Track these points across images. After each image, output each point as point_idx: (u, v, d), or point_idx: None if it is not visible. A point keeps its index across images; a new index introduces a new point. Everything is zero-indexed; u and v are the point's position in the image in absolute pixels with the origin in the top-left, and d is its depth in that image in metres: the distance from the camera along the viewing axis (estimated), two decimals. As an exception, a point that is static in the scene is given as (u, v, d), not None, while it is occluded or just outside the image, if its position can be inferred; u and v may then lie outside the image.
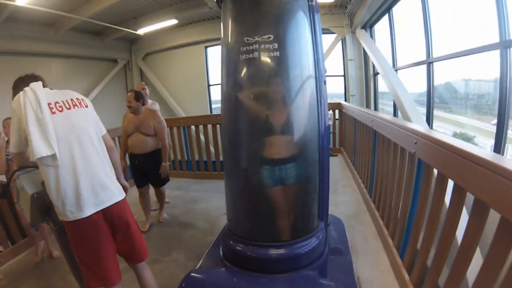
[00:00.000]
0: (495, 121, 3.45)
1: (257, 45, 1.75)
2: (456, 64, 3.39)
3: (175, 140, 5.26)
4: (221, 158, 5.01)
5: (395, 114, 4.74)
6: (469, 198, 1.41)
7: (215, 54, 7.93)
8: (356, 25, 5.33)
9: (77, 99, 1.67)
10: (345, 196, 3.77)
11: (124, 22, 6.84)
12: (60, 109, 1.57)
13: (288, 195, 1.94)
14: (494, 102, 3.01)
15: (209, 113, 8.06)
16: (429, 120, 3.57)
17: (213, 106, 8.32)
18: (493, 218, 1.22)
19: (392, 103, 5.85)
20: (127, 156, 3.45)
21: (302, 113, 1.87)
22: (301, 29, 1.90)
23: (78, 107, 1.64)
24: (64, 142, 1.53)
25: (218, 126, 4.91)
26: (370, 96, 5.80)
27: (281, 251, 1.87)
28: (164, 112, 8.30)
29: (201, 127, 5.08)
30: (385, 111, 5.43)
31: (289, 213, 1.96)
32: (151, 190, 3.55)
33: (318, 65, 1.94)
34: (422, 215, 1.95)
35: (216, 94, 8.25)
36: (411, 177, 2.17)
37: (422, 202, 1.95)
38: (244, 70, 1.84)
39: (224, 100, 1.99)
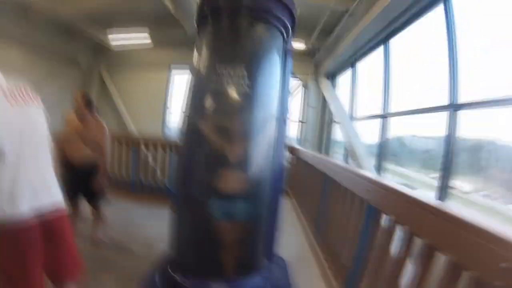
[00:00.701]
0: (434, 174, 3.78)
1: (229, 78, 1.78)
2: (407, 120, 3.72)
3: (122, 158, 4.98)
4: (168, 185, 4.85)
5: (346, 161, 4.97)
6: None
7: (179, 80, 7.94)
8: (320, 74, 5.67)
9: (30, 91, 1.46)
10: (290, 238, 3.75)
11: (95, 26, 6.63)
12: (11, 97, 1.36)
13: (237, 231, 1.90)
14: (437, 157, 3.32)
15: (160, 135, 7.85)
16: (379, 170, 3.78)
17: (169, 132, 8.16)
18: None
19: (342, 151, 6.19)
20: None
21: (260, 151, 1.89)
22: (273, 69, 1.97)
23: (30, 101, 1.43)
24: (8, 128, 1.32)
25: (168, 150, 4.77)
26: (323, 142, 6.06)
27: (225, 286, 1.79)
28: (116, 125, 8.01)
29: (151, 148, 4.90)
30: (336, 158, 5.67)
31: (235, 248, 1.90)
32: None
33: (282, 106, 2.00)
34: (369, 258, 2.00)
35: (172, 119, 8.17)
36: (359, 221, 2.23)
37: (369, 245, 2.01)
38: (211, 99, 1.85)
39: (185, 125, 1.96)
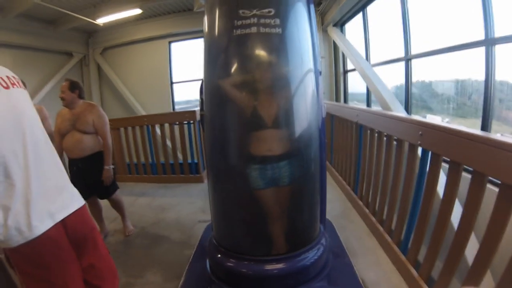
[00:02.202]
0: (447, 119, 3.59)
1: (255, 19, 1.49)
2: (431, 63, 3.43)
3: (138, 140, 4.82)
4: (189, 160, 4.71)
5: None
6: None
7: (179, 50, 7.53)
8: (328, 23, 5.27)
9: (13, 77, 1.20)
10: (327, 195, 3.62)
11: (81, 10, 6.17)
12: None
13: (284, 198, 1.70)
14: (470, 102, 3.10)
15: (173, 112, 7.52)
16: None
17: (176, 107, 7.85)
18: None
19: (358, 103, 5.91)
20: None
21: (303, 102, 1.64)
22: (301, 9, 1.68)
23: (17, 87, 1.18)
24: (2, 136, 1.06)
25: (185, 125, 4.58)
26: (340, 94, 5.78)
27: (287, 265, 1.63)
28: (124, 111, 7.76)
29: (166, 125, 4.70)
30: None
31: (285, 218, 1.72)
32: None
33: (315, 52, 1.74)
34: (430, 208, 1.84)
35: (179, 94, 7.82)
36: (412, 170, 2.05)
37: (429, 194, 1.84)
38: (236, 51, 1.57)
39: (209, 88, 1.70)
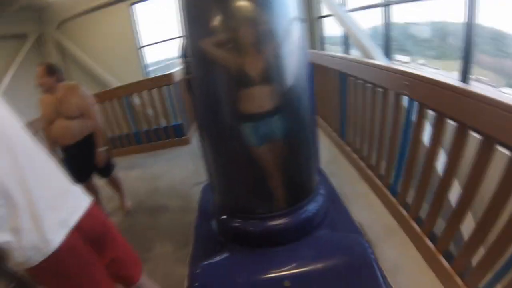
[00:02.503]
0: (422, 61, 3.67)
1: None
2: (408, 6, 3.41)
3: (117, 113, 4.72)
4: (173, 123, 4.71)
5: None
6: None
7: (143, 12, 7.07)
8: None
9: None
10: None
11: None
12: None
13: (279, 153, 1.72)
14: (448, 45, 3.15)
15: (143, 77, 7.23)
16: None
17: (149, 69, 7.55)
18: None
19: (334, 47, 5.86)
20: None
21: (290, 54, 1.60)
22: None
23: None
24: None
25: (165, 88, 4.52)
26: (315, 40, 5.69)
27: (293, 217, 1.73)
28: (96, 85, 7.39)
29: (144, 93, 4.61)
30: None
31: (292, 173, 1.80)
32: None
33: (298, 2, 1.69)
34: (417, 155, 1.97)
35: (151, 56, 7.50)
36: (398, 118, 2.14)
37: (415, 142, 1.95)
38: (221, 9, 1.49)
39: (194, 50, 1.63)
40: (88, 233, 1.18)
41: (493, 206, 1.34)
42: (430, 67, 3.56)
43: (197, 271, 1.71)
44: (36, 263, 1.03)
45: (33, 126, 3.18)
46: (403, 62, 3.91)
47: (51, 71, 2.47)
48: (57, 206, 1.10)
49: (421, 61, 3.73)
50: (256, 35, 1.53)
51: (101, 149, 2.67)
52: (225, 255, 1.82)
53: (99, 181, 3.03)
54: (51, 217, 1.06)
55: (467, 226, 1.65)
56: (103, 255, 1.27)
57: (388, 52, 3.63)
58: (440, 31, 3.31)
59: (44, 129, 2.63)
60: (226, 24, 1.52)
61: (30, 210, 1.01)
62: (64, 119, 2.51)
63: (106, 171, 2.89)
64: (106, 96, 4.80)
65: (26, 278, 1.16)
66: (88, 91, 2.70)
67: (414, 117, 1.96)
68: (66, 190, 1.19)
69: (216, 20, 1.52)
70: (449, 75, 3.10)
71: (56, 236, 1.06)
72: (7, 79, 6.34)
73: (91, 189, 2.79)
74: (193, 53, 1.65)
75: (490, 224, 1.38)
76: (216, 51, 1.53)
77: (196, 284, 1.64)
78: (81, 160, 2.64)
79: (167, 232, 2.65)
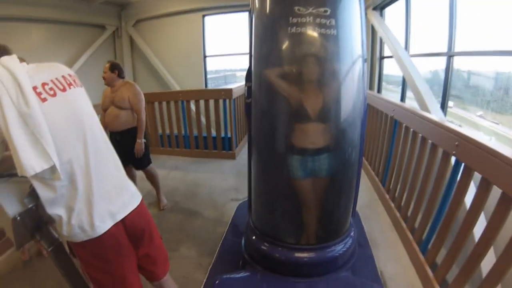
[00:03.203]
0: (480, 112, 3.52)
1: (310, 18, 1.54)
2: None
3: (172, 114, 5.02)
4: (222, 134, 4.88)
5: (402, 99, 4.68)
6: None
7: (212, 24, 7.49)
8: (368, 6, 5.11)
9: (69, 75, 1.20)
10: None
11: None
12: (51, 92, 1.10)
13: (321, 189, 1.80)
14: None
15: (204, 85, 7.70)
16: (445, 113, 3.51)
17: (208, 76, 7.97)
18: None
19: (391, 86, 5.80)
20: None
21: (350, 97, 1.70)
22: (355, 6, 1.70)
23: (74, 87, 1.18)
24: (66, 141, 1.10)
25: (221, 101, 4.72)
26: (374, 80, 5.69)
27: (319, 254, 1.79)
28: (157, 84, 7.93)
29: (201, 101, 4.86)
30: (389, 95, 5.34)
31: (329, 212, 1.87)
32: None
33: (363, 45, 1.77)
34: (455, 216, 1.93)
35: (210, 64, 7.88)
36: (443, 176, 2.12)
37: (456, 203, 1.92)
38: (291, 45, 1.62)
39: (258, 77, 1.77)
40: (131, 229, 1.30)
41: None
42: (488, 120, 3.42)
43: (216, 281, 1.82)
44: (79, 241, 1.18)
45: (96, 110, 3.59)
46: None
47: (113, 68, 2.94)
48: (110, 199, 1.22)
49: (479, 112, 3.59)
50: (319, 74, 1.65)
51: (140, 140, 3.03)
52: (246, 273, 1.91)
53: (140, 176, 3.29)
54: (104, 207, 1.19)
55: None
56: (138, 250, 1.38)
57: (445, 104, 3.56)
58: (504, 82, 3.16)
59: (101, 116, 3.03)
60: (294, 59, 1.65)
61: (87, 196, 1.15)
62: (116, 108, 2.93)
63: (141, 163, 3.18)
64: (166, 96, 5.17)
65: (63, 246, 1.30)
66: (140, 90, 3.07)
67: (459, 177, 1.93)
68: (123, 186, 1.31)
69: (285, 54, 1.66)
70: (507, 131, 2.99)
71: (103, 224, 1.19)
72: (80, 62, 6.99)
73: (129, 176, 3.08)
74: (257, 79, 1.80)
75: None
76: (279, 82, 1.66)
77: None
78: (123, 147, 2.96)
79: (196, 238, 2.77)
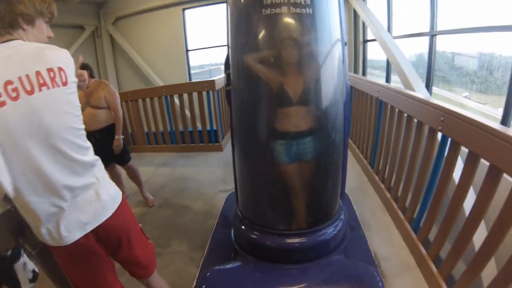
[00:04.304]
0: (466, 93, 3.54)
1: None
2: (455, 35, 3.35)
3: (156, 110, 4.94)
4: (208, 128, 4.83)
5: (387, 81, 4.68)
6: None
7: (193, 17, 7.35)
8: (349, -9, 5.08)
9: (49, 70, 1.01)
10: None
11: None
12: (14, 94, 0.94)
13: (307, 173, 1.77)
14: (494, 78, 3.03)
15: (188, 80, 7.57)
16: (430, 93, 3.50)
17: (192, 72, 7.86)
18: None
19: (377, 71, 5.81)
20: None
21: (331, 79, 1.67)
22: None
23: (48, 87, 1.00)
24: (23, 153, 0.97)
25: (204, 93, 4.66)
26: (358, 63, 5.68)
27: (310, 239, 1.76)
28: (140, 81, 7.79)
29: (185, 95, 4.79)
30: (374, 79, 5.34)
31: (317, 195, 1.83)
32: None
33: (341, 26, 1.72)
34: (444, 192, 1.92)
35: (195, 59, 7.80)
36: (430, 153, 2.10)
37: (444, 179, 1.91)
38: (267, 28, 1.57)
39: (236, 64, 1.72)
40: (105, 238, 1.23)
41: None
42: (474, 101, 3.45)
43: (207, 273, 1.78)
44: (50, 244, 1.14)
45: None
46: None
47: (85, 69, 2.76)
48: (82, 209, 1.14)
49: (465, 93, 3.62)
50: (298, 57, 1.60)
51: (118, 137, 3.01)
52: (237, 263, 1.88)
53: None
54: (74, 216, 1.12)
55: (489, 273, 1.59)
56: (116, 255, 1.33)
57: (429, 83, 3.56)
58: (488, 63, 3.18)
59: None
60: (271, 42, 1.61)
61: (53, 207, 1.07)
62: (92, 108, 2.89)
63: (122, 158, 3.14)
64: (149, 93, 5.07)
65: (48, 249, 1.22)
66: (114, 87, 3.05)
67: (446, 152, 1.92)
68: (96, 194, 1.19)
69: (261, 37, 1.61)
70: (494, 111, 3.00)
71: (71, 235, 1.12)
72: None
73: (114, 173, 3.16)
74: (235, 66, 1.74)
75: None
76: (259, 67, 1.60)
77: (204, 286, 1.71)
78: (103, 145, 2.92)
79: (186, 232, 2.73)
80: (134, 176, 3.27)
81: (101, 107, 2.92)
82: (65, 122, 1.07)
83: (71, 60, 1.11)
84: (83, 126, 1.17)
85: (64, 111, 1.07)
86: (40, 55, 1.02)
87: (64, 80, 1.05)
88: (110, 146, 2.99)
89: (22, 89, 0.95)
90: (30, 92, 0.96)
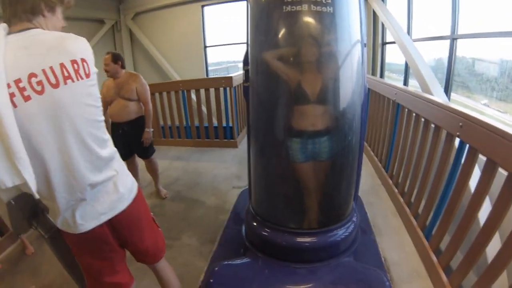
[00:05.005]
0: (485, 101, 3.45)
1: None
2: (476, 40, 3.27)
3: (173, 105, 4.99)
4: (223, 124, 4.86)
5: (405, 85, 4.61)
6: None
7: (212, 14, 7.39)
8: (370, -11, 5.01)
9: (72, 62, 0.96)
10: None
11: None
12: (39, 88, 0.91)
13: (322, 173, 1.78)
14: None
15: (205, 76, 7.60)
16: (448, 98, 3.44)
17: (209, 68, 7.91)
18: None
19: (394, 75, 5.72)
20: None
21: (349, 80, 1.66)
22: None
23: (72, 80, 0.97)
24: (45, 149, 0.97)
25: (221, 89, 4.67)
26: (376, 65, 5.61)
27: (321, 239, 1.76)
28: (158, 76, 7.87)
29: (202, 91, 4.81)
30: (393, 81, 5.27)
31: (330, 196, 1.83)
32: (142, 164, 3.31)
33: (362, 28, 1.71)
34: (459, 200, 1.89)
35: (212, 56, 7.84)
36: (447, 159, 2.07)
37: (460, 186, 1.87)
38: (287, 25, 1.57)
39: (255, 60, 1.73)
40: (118, 229, 1.25)
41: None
42: (493, 109, 3.37)
43: (216, 268, 1.80)
44: (64, 230, 1.17)
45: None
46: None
47: (116, 59, 2.88)
48: (98, 199, 1.15)
49: (484, 101, 3.54)
50: (317, 55, 1.60)
51: (148, 130, 3.05)
52: (246, 260, 1.89)
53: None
54: (89, 207, 1.13)
55: (500, 285, 1.56)
56: (126, 246, 1.36)
57: (448, 88, 3.49)
58: (510, 70, 3.10)
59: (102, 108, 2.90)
60: (290, 39, 1.61)
61: (70, 199, 1.09)
62: (123, 99, 2.91)
63: (147, 151, 3.18)
64: (166, 87, 5.12)
65: (61, 233, 1.25)
66: (145, 80, 3.06)
67: (464, 159, 1.88)
68: (113, 185, 1.19)
69: (281, 35, 1.61)
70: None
71: (86, 223, 1.14)
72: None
73: (132, 166, 3.18)
74: (254, 62, 1.75)
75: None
76: (277, 64, 1.61)
77: (211, 280, 1.73)
78: (130, 137, 3.01)
79: (197, 226, 2.76)
80: (153, 169, 3.32)
81: (133, 99, 2.94)
82: (89, 115, 1.06)
83: (90, 49, 1.07)
84: (103, 118, 1.15)
85: (87, 104, 1.05)
86: (62, 45, 0.97)
87: (87, 72, 1.02)
88: (136, 138, 3.03)
89: (47, 82, 0.91)
90: (56, 86, 0.93)
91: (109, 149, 1.19)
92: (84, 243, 1.21)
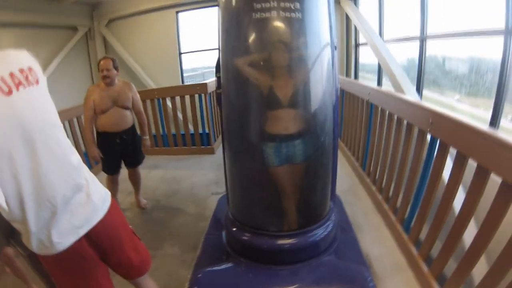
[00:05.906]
0: (457, 96, 3.60)
1: (274, 3, 1.49)
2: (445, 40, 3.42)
3: (148, 113, 4.89)
4: (200, 131, 4.83)
5: (379, 84, 4.73)
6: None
7: (187, 20, 7.36)
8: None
9: (20, 70, 0.97)
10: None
11: None
12: None
13: (297, 175, 1.79)
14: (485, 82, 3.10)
15: (180, 83, 7.58)
16: (420, 96, 3.56)
17: (185, 75, 7.86)
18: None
19: (369, 75, 5.86)
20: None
21: (320, 82, 1.69)
22: None
23: (24, 86, 0.97)
24: (9, 159, 0.93)
25: (196, 96, 4.66)
26: (350, 67, 5.74)
27: (301, 240, 1.76)
28: (133, 84, 7.72)
29: (177, 98, 4.78)
30: (366, 82, 5.40)
31: (307, 197, 1.84)
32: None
33: (331, 31, 1.75)
34: (434, 192, 1.95)
35: (188, 62, 7.79)
36: (420, 154, 2.13)
37: (435, 178, 1.93)
38: (257, 31, 1.58)
39: (226, 67, 1.73)
40: (97, 242, 1.19)
41: (510, 252, 1.31)
42: (466, 105, 3.49)
43: (199, 275, 1.78)
44: (42, 254, 1.10)
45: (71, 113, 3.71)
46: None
47: (116, 65, 2.82)
48: (73, 212, 1.10)
49: (457, 96, 3.66)
50: (288, 60, 1.62)
51: (146, 137, 3.11)
52: (229, 265, 1.87)
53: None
54: (64, 223, 1.08)
55: (480, 270, 1.61)
56: (107, 260, 1.29)
57: (420, 86, 3.61)
58: (478, 67, 3.24)
59: (88, 118, 2.80)
60: (260, 45, 1.62)
61: (43, 214, 1.03)
62: (120, 108, 2.82)
63: (139, 160, 3.15)
64: (141, 95, 4.90)
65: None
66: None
67: (436, 153, 1.94)
68: (86, 196, 1.16)
69: (251, 41, 1.62)
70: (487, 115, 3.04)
71: (64, 241, 1.08)
72: (53, 65, 6.66)
73: (115, 182, 3.06)
74: (225, 68, 1.75)
75: (505, 270, 1.34)
76: (248, 70, 1.62)
77: (195, 287, 1.68)
78: (127, 146, 2.94)
79: (178, 235, 2.72)
80: (136, 178, 3.23)
81: (129, 107, 2.89)
82: (49, 120, 1.05)
83: (34, 59, 1.07)
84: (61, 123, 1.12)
85: (45, 108, 1.05)
86: (7, 58, 0.99)
87: (36, 78, 1.02)
88: (134, 146, 3.00)
89: (0, 91, 0.91)
90: (8, 93, 0.92)
91: (76, 155, 1.15)
92: (63, 263, 1.15)
